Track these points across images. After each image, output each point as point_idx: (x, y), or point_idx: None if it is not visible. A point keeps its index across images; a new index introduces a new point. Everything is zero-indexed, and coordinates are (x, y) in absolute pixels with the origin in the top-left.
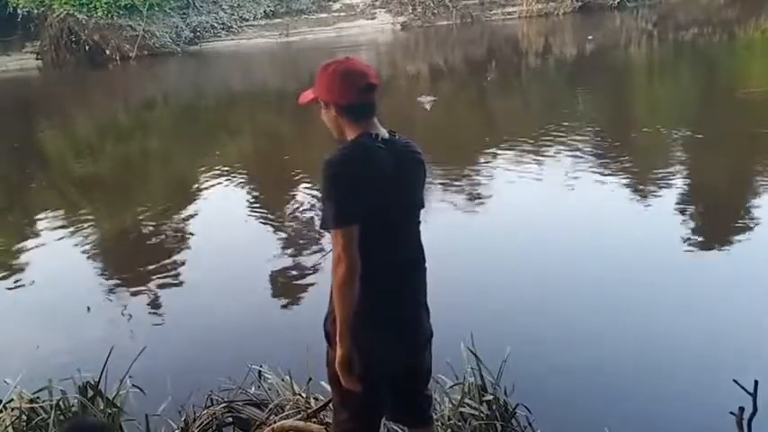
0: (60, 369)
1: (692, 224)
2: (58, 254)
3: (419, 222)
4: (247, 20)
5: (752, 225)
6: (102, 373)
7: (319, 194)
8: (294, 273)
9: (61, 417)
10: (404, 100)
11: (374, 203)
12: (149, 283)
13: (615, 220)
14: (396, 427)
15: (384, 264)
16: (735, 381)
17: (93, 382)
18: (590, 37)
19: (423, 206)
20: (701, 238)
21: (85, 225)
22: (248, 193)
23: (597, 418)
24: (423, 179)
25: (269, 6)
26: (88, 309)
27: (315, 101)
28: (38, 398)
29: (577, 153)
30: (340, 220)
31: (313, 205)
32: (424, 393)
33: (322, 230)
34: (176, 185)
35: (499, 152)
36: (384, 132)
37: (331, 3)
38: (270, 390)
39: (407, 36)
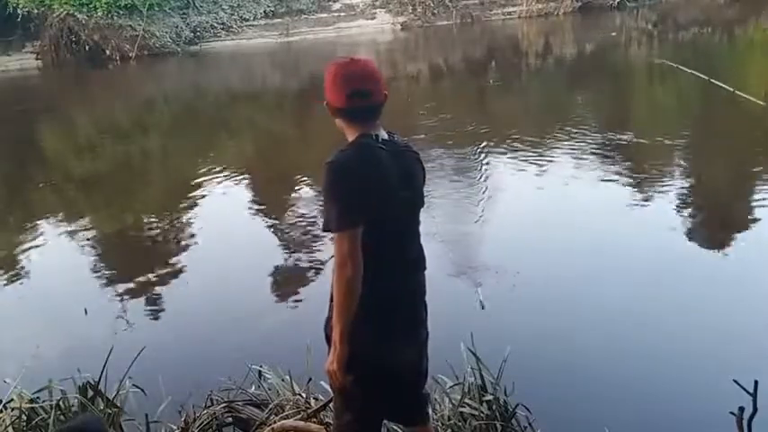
0: (60, 369)
1: (692, 224)
2: (57, 253)
3: (419, 222)
4: (247, 20)
5: (752, 225)
6: (102, 373)
7: (321, 194)
8: (294, 272)
9: (61, 417)
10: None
11: (377, 204)
12: (149, 282)
13: (616, 219)
14: (395, 427)
15: (386, 264)
16: (735, 381)
17: (93, 382)
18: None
19: (423, 206)
20: (702, 238)
21: (85, 225)
22: (248, 192)
23: (597, 418)
24: (423, 179)
25: (269, 6)
26: (85, 311)
27: None
28: (38, 398)
29: (578, 153)
30: (343, 222)
31: (313, 205)
32: (422, 392)
33: (325, 232)
34: (176, 185)
35: (499, 151)
36: (383, 133)
37: (331, 3)
38: (270, 390)
39: (407, 36)
